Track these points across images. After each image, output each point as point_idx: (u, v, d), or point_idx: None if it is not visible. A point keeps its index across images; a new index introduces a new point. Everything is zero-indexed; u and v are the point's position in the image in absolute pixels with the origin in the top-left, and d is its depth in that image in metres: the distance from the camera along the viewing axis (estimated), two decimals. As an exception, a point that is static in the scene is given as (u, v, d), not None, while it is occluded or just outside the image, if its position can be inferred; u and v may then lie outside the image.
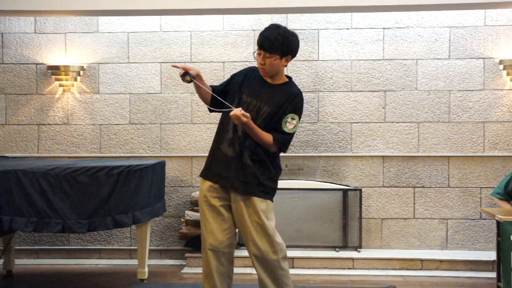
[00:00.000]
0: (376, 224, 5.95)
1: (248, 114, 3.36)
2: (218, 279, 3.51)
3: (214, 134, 3.64)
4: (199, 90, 3.54)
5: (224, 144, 3.51)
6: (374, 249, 5.92)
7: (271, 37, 3.41)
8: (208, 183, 3.55)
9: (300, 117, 3.58)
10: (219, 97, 3.48)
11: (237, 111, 3.33)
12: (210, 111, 3.62)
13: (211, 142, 3.64)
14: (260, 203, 3.49)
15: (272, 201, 3.60)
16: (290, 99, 3.51)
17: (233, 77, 3.65)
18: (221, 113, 3.63)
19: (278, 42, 3.41)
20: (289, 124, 3.50)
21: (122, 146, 6.11)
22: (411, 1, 5.28)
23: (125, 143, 6.11)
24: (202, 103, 5.96)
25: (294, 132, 3.56)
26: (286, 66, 3.58)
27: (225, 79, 3.70)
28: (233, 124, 3.48)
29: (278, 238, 3.53)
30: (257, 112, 3.48)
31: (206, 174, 3.58)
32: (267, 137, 3.47)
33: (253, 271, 5.44)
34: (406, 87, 5.93)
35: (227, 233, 3.53)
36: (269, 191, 3.56)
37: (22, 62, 6.15)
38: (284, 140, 3.53)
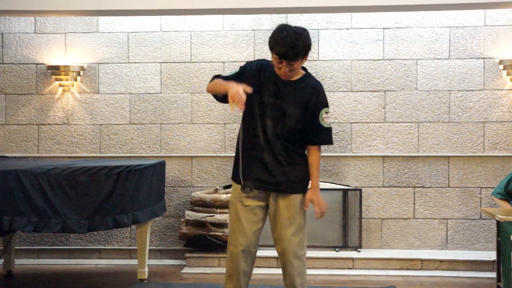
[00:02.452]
0: (376, 224, 5.95)
1: (320, 200, 3.45)
2: (243, 279, 3.51)
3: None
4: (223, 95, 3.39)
5: (258, 150, 3.42)
6: (374, 249, 5.92)
7: (293, 47, 3.26)
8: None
9: (328, 108, 3.54)
10: (247, 112, 3.37)
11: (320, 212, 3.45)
12: (220, 101, 3.49)
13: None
14: (298, 199, 3.48)
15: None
16: (316, 95, 3.44)
17: (244, 69, 3.46)
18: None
19: (301, 48, 3.29)
20: (326, 119, 3.47)
21: (122, 146, 6.11)
22: (411, 1, 5.28)
23: (125, 143, 6.11)
24: (203, 103, 6.03)
25: (331, 126, 3.54)
26: None
27: (234, 71, 3.47)
28: (261, 128, 3.40)
29: (306, 233, 3.55)
30: (283, 112, 3.39)
31: (243, 180, 3.47)
32: (318, 163, 3.53)
33: (255, 270, 5.44)
34: (406, 87, 5.93)
35: (257, 234, 3.52)
36: (307, 185, 3.55)
37: (22, 62, 6.15)
38: (329, 135, 3.52)
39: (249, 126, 3.46)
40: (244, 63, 3.55)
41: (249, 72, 3.45)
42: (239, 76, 3.41)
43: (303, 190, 3.50)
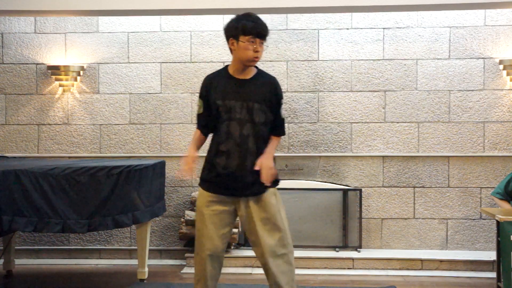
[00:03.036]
0: (376, 224, 5.95)
1: (270, 164, 3.38)
2: (211, 282, 3.50)
3: (213, 134, 3.61)
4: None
5: (222, 156, 3.42)
6: (374, 249, 5.92)
7: (266, 24, 3.43)
8: (213, 194, 3.49)
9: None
10: (209, 121, 3.47)
11: (267, 171, 3.36)
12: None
13: (210, 143, 3.59)
14: (271, 198, 3.46)
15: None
16: (273, 89, 3.52)
17: (203, 95, 3.52)
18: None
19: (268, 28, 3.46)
20: (282, 110, 3.56)
21: (122, 146, 6.11)
22: (411, 1, 5.28)
23: (125, 143, 6.11)
24: (202, 103, 6.02)
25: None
26: None
27: (199, 103, 3.54)
28: (226, 134, 3.41)
29: (288, 231, 3.51)
30: (249, 111, 3.41)
31: (209, 187, 3.48)
32: (275, 143, 3.52)
33: (253, 271, 5.44)
34: (406, 87, 5.94)
35: (224, 237, 3.49)
36: (276, 181, 3.54)
37: (22, 62, 6.15)
38: (284, 125, 3.59)
39: (215, 133, 3.49)
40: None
41: (207, 91, 3.49)
42: (206, 104, 3.47)
43: (272, 184, 3.47)
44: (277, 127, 3.52)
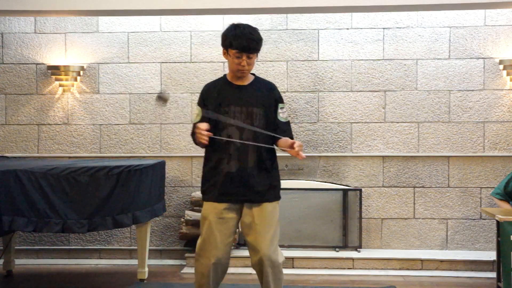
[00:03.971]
0: (376, 224, 5.95)
1: (299, 143, 3.37)
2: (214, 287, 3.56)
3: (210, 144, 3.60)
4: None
5: (224, 163, 3.46)
6: (374, 249, 5.92)
7: (252, 39, 3.40)
8: (221, 203, 3.50)
9: (284, 103, 3.66)
10: (210, 127, 3.42)
11: (297, 149, 3.35)
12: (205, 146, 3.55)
13: (207, 154, 3.59)
14: (271, 208, 3.52)
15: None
16: (271, 93, 3.56)
17: (201, 104, 3.55)
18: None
19: (258, 40, 3.44)
20: (283, 114, 3.57)
21: (122, 146, 6.11)
22: (411, 1, 5.28)
23: (125, 143, 6.11)
24: (202, 103, 6.02)
25: (289, 120, 3.65)
26: None
27: (197, 111, 3.57)
28: (227, 142, 3.43)
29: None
30: (251, 116, 3.46)
31: (213, 197, 3.51)
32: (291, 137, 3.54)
33: (253, 271, 5.44)
34: (406, 87, 5.93)
35: (229, 246, 3.55)
36: (279, 191, 3.62)
37: (22, 62, 6.15)
38: (290, 129, 3.62)
39: (214, 141, 3.46)
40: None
41: (204, 104, 3.52)
42: (204, 112, 3.48)
43: (274, 197, 3.54)
44: (284, 132, 3.52)
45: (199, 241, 3.56)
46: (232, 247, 5.66)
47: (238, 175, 3.45)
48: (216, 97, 3.49)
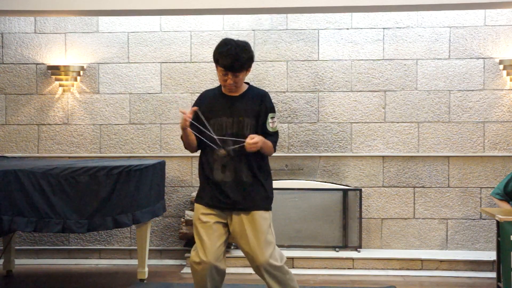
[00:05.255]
0: (376, 224, 5.95)
1: (254, 137, 3.37)
2: None
3: (204, 152, 3.62)
4: (189, 137, 3.50)
5: (217, 171, 3.51)
6: (374, 249, 5.92)
7: (238, 59, 3.40)
8: (207, 208, 3.55)
9: (275, 114, 3.63)
10: (199, 136, 3.47)
11: (249, 142, 3.35)
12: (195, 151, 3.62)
13: (201, 163, 3.62)
14: (261, 216, 3.52)
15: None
16: (262, 102, 3.55)
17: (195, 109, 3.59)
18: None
19: (245, 60, 3.44)
20: (272, 124, 3.56)
21: (122, 146, 6.11)
22: (411, 1, 5.28)
23: (125, 143, 6.11)
24: (202, 103, 6.01)
25: (277, 130, 3.62)
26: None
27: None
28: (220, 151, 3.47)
29: (275, 246, 3.59)
30: (241, 126, 3.49)
31: (206, 202, 3.55)
32: (269, 143, 3.52)
33: (254, 271, 5.44)
34: (406, 87, 5.94)
35: (221, 247, 3.55)
36: (271, 200, 3.61)
37: (22, 62, 6.15)
38: (276, 140, 3.60)
39: (207, 150, 3.53)
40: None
41: (199, 107, 3.52)
42: (196, 116, 3.47)
43: (265, 207, 3.54)
44: (268, 139, 3.52)
45: (193, 247, 3.62)
46: (232, 247, 5.68)
47: (230, 183, 3.49)
48: (208, 108, 3.53)
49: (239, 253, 5.65)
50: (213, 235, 3.52)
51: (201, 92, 3.74)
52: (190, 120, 3.38)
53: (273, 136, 3.55)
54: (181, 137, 3.55)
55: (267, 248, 3.49)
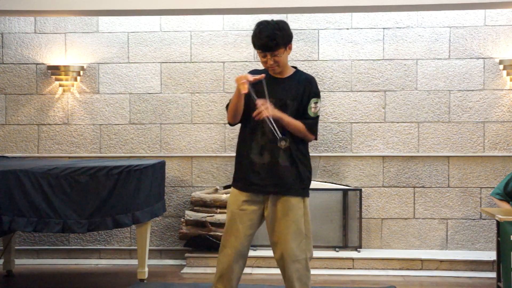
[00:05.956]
0: (376, 224, 5.95)
1: (269, 106, 3.34)
2: (235, 280, 3.54)
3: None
4: (239, 102, 3.44)
5: (254, 152, 3.47)
6: (374, 249, 5.92)
7: (272, 37, 3.38)
8: (244, 193, 3.50)
9: (320, 99, 3.59)
10: (244, 113, 3.45)
11: (261, 107, 3.31)
12: (234, 124, 3.57)
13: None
14: (296, 202, 3.46)
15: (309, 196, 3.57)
16: (308, 86, 3.53)
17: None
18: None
19: (280, 38, 3.40)
20: (313, 109, 3.53)
21: (122, 146, 6.11)
22: (411, 1, 5.28)
23: (125, 143, 6.11)
24: (203, 103, 6.03)
25: (319, 116, 3.59)
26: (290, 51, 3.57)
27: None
28: (260, 130, 3.45)
29: (310, 237, 3.51)
30: (282, 108, 3.44)
31: (241, 186, 3.51)
32: (299, 124, 3.46)
33: (253, 271, 5.44)
34: (406, 87, 5.94)
35: (250, 238, 3.53)
36: (308, 186, 3.54)
37: (22, 62, 6.15)
38: (313, 124, 3.54)
39: (246, 129, 3.52)
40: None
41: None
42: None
43: (300, 193, 3.48)
44: (308, 125, 3.49)
45: (223, 231, 3.59)
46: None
47: (267, 166, 3.44)
48: (254, 86, 3.44)
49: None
50: (247, 223, 3.47)
51: (249, 70, 3.64)
52: (251, 86, 3.32)
53: (310, 120, 3.50)
54: (226, 106, 3.51)
55: (295, 236, 3.42)
